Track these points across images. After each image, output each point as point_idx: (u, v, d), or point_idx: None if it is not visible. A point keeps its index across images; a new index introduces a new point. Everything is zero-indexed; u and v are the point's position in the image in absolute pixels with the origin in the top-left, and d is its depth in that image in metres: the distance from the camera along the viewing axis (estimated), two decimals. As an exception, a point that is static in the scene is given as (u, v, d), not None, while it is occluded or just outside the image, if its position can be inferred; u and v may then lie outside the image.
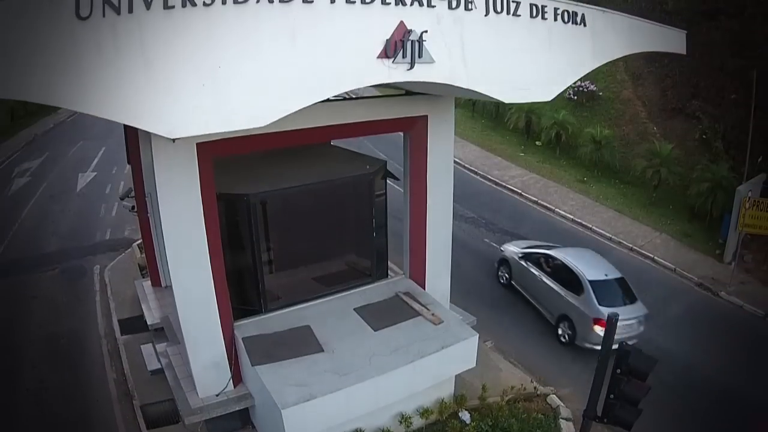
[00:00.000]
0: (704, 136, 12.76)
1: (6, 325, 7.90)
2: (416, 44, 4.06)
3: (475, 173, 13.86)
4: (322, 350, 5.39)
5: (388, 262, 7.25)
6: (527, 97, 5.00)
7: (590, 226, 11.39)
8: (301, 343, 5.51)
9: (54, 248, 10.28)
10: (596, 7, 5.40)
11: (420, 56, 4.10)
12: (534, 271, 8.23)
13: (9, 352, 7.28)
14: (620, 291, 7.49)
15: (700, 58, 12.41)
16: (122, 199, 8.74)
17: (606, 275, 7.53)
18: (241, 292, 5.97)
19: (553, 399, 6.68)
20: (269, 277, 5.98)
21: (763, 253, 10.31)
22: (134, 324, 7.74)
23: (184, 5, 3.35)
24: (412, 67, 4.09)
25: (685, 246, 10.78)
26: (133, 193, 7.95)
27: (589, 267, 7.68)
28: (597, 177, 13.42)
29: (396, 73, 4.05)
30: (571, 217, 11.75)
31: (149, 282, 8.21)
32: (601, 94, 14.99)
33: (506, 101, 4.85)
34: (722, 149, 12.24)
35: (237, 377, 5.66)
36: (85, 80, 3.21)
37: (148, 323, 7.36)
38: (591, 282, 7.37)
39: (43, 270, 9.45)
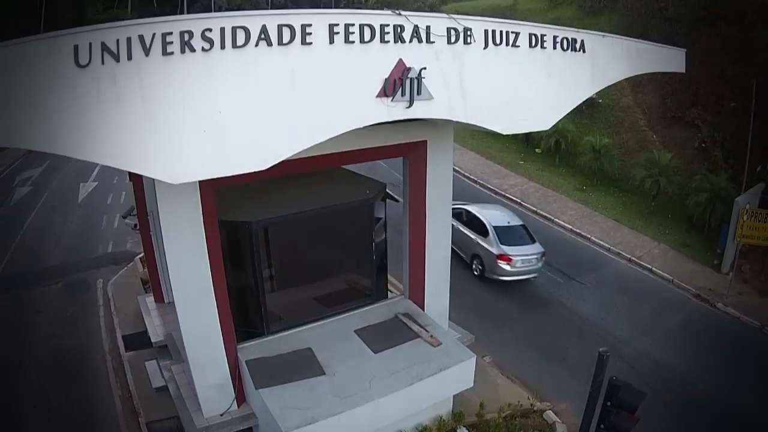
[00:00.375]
0: (703, 145, 12.78)
1: (13, 340, 8.01)
2: (415, 81, 4.10)
3: (475, 182, 13.89)
4: (324, 373, 5.47)
5: (388, 276, 7.32)
6: (526, 127, 5.04)
7: (589, 236, 11.45)
8: (303, 365, 5.60)
9: (57, 261, 10.37)
10: (595, 33, 5.41)
11: (419, 93, 4.14)
12: (453, 222, 10.72)
13: (16, 368, 7.38)
14: (520, 234, 9.59)
15: (700, 65, 12.37)
16: (125, 217, 8.81)
17: (508, 222, 9.70)
18: (244, 314, 6.05)
19: (550, 415, 6.79)
20: (271, 300, 6.06)
21: (760, 263, 10.38)
22: (138, 340, 7.83)
23: (183, 51, 3.39)
24: (411, 104, 4.14)
25: (683, 256, 10.84)
26: (135, 212, 8.01)
27: (495, 217, 9.77)
28: (596, 185, 13.46)
29: (395, 111, 4.09)
30: (570, 227, 11.81)
31: (152, 297, 8.29)
32: (600, 101, 14.98)
33: (504, 133, 4.89)
34: (721, 158, 12.27)
35: (240, 397, 5.76)
36: (86, 128, 3.27)
37: (152, 340, 7.44)
38: (495, 227, 9.47)
39: (47, 284, 9.54)
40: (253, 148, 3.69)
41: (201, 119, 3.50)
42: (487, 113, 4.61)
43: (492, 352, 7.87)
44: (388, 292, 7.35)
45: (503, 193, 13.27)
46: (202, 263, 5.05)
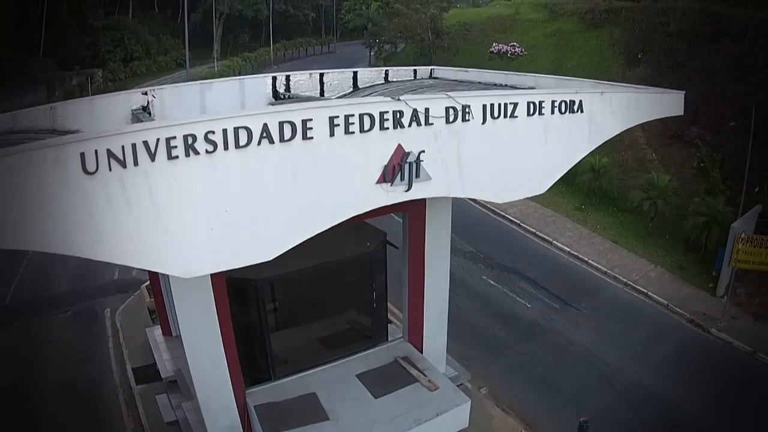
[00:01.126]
0: (702, 165, 12.80)
1: (27, 371, 8.29)
2: (414, 165, 4.20)
3: (475, 201, 13.97)
4: (328, 418, 5.73)
5: (388, 304, 7.49)
6: (522, 194, 5.15)
7: (586, 259, 11.60)
8: (308, 411, 5.85)
9: (64, 288, 10.60)
10: (593, 90, 5.45)
11: (417, 176, 4.24)
12: None
13: (32, 399, 7.68)
14: None
15: (700, 83, 12.33)
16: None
17: None
18: (251, 361, 6.30)
19: (543, 448, 7.11)
20: (277, 346, 6.29)
21: (755, 287, 10.54)
22: (148, 373, 8.08)
23: (187, 155, 3.50)
24: (409, 188, 4.25)
25: (679, 279, 11.01)
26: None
27: None
28: (595, 205, 13.56)
29: (394, 195, 4.21)
30: (568, 249, 11.96)
31: (159, 329, 8.53)
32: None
33: (500, 201, 5.00)
34: (719, 179, 12.31)
35: (249, 436, 6.05)
36: (99, 231, 3.40)
37: (162, 376, 7.69)
38: None
39: (56, 313, 9.79)
40: (259, 241, 3.84)
41: (208, 218, 3.65)
42: (484, 186, 4.71)
43: (488, 384, 8.14)
44: (388, 324, 7.57)
45: (502, 213, 13.40)
46: (211, 316, 5.25)
